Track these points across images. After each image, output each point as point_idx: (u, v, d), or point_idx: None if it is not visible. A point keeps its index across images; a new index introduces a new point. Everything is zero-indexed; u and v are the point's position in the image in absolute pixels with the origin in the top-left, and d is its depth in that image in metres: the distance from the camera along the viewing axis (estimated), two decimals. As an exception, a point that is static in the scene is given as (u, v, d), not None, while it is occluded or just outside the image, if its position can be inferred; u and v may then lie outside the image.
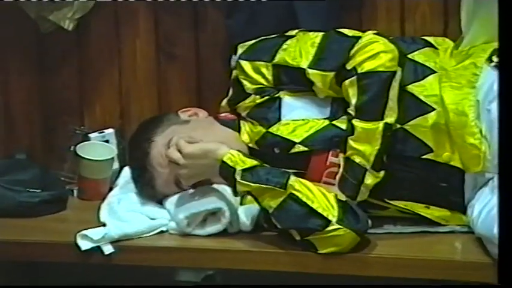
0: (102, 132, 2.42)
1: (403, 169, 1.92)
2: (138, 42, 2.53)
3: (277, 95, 2.01)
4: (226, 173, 1.86)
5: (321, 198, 1.83)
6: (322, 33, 2.01)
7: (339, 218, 1.80)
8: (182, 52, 2.51)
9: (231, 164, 1.86)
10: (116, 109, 2.56)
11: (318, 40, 1.98)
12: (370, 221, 1.85)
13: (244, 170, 1.85)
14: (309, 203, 1.81)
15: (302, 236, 1.83)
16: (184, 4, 2.46)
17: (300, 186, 1.83)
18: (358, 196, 1.88)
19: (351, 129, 1.88)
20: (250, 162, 1.87)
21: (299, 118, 1.99)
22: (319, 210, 1.81)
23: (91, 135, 2.40)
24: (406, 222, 1.94)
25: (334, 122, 1.97)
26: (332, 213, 1.80)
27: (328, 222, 1.80)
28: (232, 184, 1.87)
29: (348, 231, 1.80)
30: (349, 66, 1.90)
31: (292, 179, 1.84)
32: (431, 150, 1.91)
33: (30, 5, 2.45)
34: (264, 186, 1.83)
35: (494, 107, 1.86)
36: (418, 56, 2.00)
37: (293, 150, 1.98)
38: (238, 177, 1.85)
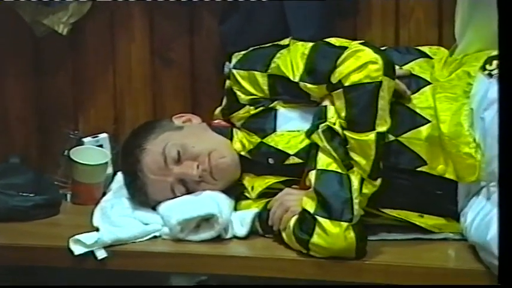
0: (96, 136, 2.41)
1: (397, 180, 1.89)
2: (133, 47, 2.53)
3: (272, 106, 1.99)
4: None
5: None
6: (311, 44, 1.97)
7: (355, 223, 1.78)
8: (177, 57, 2.51)
9: None
10: (110, 114, 2.56)
11: (306, 52, 1.94)
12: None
13: None
14: (354, 195, 1.79)
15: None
16: (180, 9, 2.46)
17: None
18: None
19: (345, 140, 1.84)
20: None
21: (294, 129, 1.97)
22: (356, 207, 1.79)
23: (85, 139, 2.40)
24: (400, 230, 1.94)
25: None
26: (356, 219, 1.79)
27: (350, 221, 1.77)
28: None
29: (354, 241, 1.78)
30: (334, 80, 1.85)
31: None
32: (425, 163, 1.89)
33: (25, 9, 2.45)
34: None
35: (488, 115, 1.85)
36: (412, 67, 1.98)
37: (287, 162, 1.96)
38: None
